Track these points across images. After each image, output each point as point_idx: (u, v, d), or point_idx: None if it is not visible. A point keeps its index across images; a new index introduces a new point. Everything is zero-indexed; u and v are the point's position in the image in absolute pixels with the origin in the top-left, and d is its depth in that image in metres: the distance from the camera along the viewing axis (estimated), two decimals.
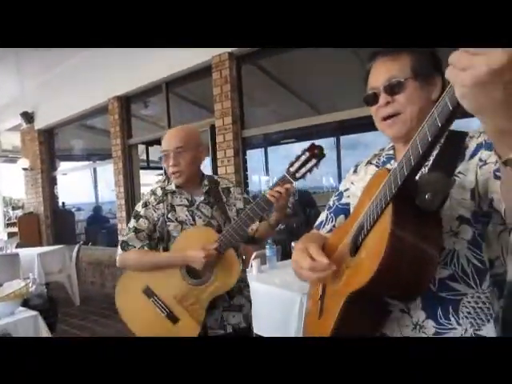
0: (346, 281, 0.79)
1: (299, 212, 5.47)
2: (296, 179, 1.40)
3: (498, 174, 0.70)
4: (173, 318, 1.51)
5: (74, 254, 4.98)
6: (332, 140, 5.97)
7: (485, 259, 0.76)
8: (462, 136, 0.82)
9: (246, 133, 4.14)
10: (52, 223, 6.98)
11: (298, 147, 6.48)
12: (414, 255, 0.65)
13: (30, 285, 2.29)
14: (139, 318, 1.56)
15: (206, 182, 1.63)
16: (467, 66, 0.41)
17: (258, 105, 4.47)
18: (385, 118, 0.86)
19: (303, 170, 1.40)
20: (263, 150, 5.91)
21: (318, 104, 4.03)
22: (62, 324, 3.92)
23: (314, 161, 1.40)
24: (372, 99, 0.88)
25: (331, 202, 1.11)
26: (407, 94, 0.83)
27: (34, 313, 2.14)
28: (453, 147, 0.81)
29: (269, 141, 5.77)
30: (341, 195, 1.08)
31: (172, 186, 1.62)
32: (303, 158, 1.40)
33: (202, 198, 1.61)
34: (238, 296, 1.59)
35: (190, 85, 4.79)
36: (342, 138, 5.92)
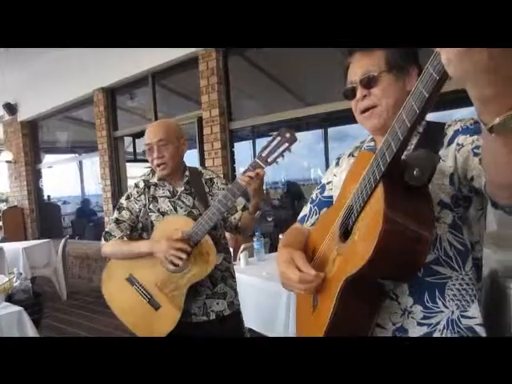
0: (339, 267, 0.79)
1: (288, 204, 5.50)
2: (268, 164, 1.42)
3: (476, 151, 0.73)
4: (155, 305, 1.56)
5: (61, 247, 4.92)
6: (320, 132, 5.99)
7: (466, 242, 0.79)
8: (440, 126, 0.86)
9: (233, 125, 4.12)
10: (37, 217, 6.89)
11: None
12: (410, 232, 0.66)
13: (15, 280, 2.26)
14: (124, 305, 1.62)
15: (187, 173, 1.65)
16: None
17: (245, 97, 4.45)
18: (363, 111, 0.90)
19: (275, 154, 1.41)
20: (251, 142, 5.89)
21: (305, 96, 4.03)
22: (48, 319, 3.89)
23: (285, 145, 1.41)
24: (351, 93, 0.91)
25: (314, 196, 1.12)
26: (382, 86, 0.86)
27: (18, 308, 2.11)
28: (433, 134, 0.85)
29: (257, 133, 5.75)
30: (323, 188, 1.10)
31: (154, 179, 1.67)
32: (274, 142, 1.41)
33: (183, 189, 1.64)
34: (221, 284, 1.63)
35: (177, 76, 4.74)
36: (330, 130, 5.94)
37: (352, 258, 0.73)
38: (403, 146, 0.65)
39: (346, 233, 0.81)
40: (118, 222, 1.64)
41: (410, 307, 0.81)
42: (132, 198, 1.67)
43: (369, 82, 0.87)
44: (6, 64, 5.58)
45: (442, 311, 0.80)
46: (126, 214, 1.65)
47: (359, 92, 0.89)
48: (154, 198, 1.65)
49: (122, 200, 1.69)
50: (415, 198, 0.68)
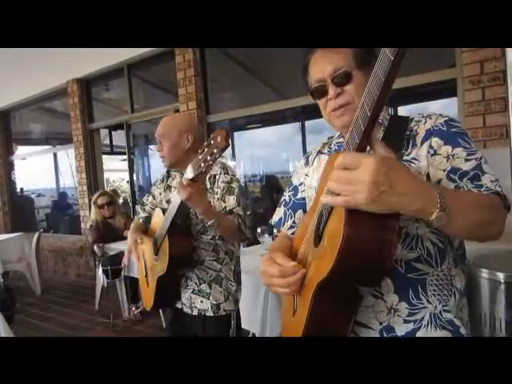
0: (312, 272, 0.77)
1: (267, 197, 5.53)
2: (197, 173, 1.32)
3: (451, 176, 0.75)
4: (147, 282, 1.76)
5: (34, 241, 4.82)
6: (297, 125, 6.04)
7: (444, 240, 0.82)
8: (405, 120, 0.86)
9: (210, 118, 4.11)
10: (10, 210, 6.71)
11: (264, 132, 6.52)
12: (373, 236, 0.64)
13: None
14: (139, 270, 1.88)
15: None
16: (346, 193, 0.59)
17: (222, 89, 4.43)
18: (334, 109, 0.86)
19: (204, 163, 1.30)
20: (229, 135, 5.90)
21: (282, 89, 4.05)
22: (21, 314, 3.83)
23: (215, 151, 1.27)
24: (321, 92, 0.87)
25: (287, 198, 1.09)
26: (355, 83, 0.83)
27: None
28: (397, 129, 0.85)
29: (234, 126, 5.75)
30: (296, 190, 1.07)
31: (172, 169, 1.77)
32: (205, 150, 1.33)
33: (173, 185, 1.69)
34: (205, 284, 1.63)
35: (154, 68, 4.68)
36: (307, 123, 5.99)
37: (322, 264, 0.72)
38: (365, 138, 0.64)
39: (319, 237, 0.79)
40: (143, 204, 1.88)
41: (396, 305, 0.81)
42: (156, 185, 1.85)
43: (341, 79, 0.83)
44: None
45: (426, 307, 0.81)
46: (149, 198, 1.86)
47: (332, 90, 0.84)
48: (168, 188, 1.77)
49: (152, 186, 1.90)
50: None
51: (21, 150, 6.89)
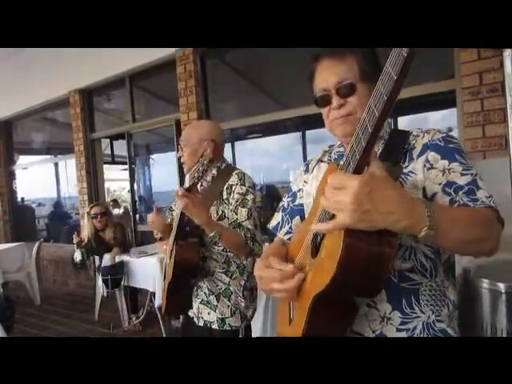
0: (309, 284, 0.77)
1: (267, 206, 5.54)
2: (191, 186, 1.44)
3: (447, 189, 0.77)
4: (163, 286, 1.74)
5: (34, 251, 4.81)
6: (298, 134, 6.08)
7: (439, 250, 0.83)
8: (405, 134, 0.87)
9: None
10: (10, 219, 6.71)
11: (264, 142, 6.54)
12: (371, 249, 0.65)
13: None
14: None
15: (213, 174, 1.67)
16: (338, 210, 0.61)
17: (223, 99, 4.46)
18: (336, 118, 0.87)
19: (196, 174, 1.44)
20: (230, 144, 5.92)
21: (283, 99, 4.08)
22: (20, 324, 3.80)
23: (204, 166, 1.44)
24: (325, 101, 0.88)
25: (285, 204, 1.10)
26: (358, 95, 0.84)
27: None
28: (396, 143, 0.86)
29: (235, 136, 5.79)
30: (294, 196, 1.08)
31: None
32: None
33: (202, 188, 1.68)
34: (213, 296, 1.60)
35: (155, 79, 4.72)
36: (308, 133, 6.02)
37: (320, 275, 0.72)
38: (366, 155, 0.63)
39: (316, 248, 0.79)
40: (170, 209, 1.86)
41: (389, 314, 0.82)
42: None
43: (345, 91, 0.84)
44: None
45: (419, 316, 0.82)
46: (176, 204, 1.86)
47: (335, 101, 0.86)
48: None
49: None
50: None
51: (22, 160, 6.92)
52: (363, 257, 0.65)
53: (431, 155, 0.81)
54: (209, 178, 1.67)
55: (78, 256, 3.74)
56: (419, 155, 0.82)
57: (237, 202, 1.56)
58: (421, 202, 0.64)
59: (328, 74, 0.87)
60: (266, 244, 3.07)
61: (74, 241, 3.88)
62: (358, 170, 0.64)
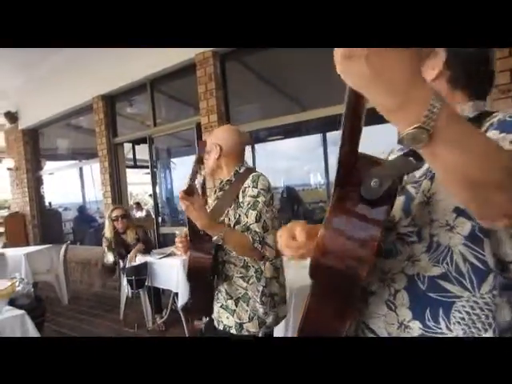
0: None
1: (287, 209, 5.53)
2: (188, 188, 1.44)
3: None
4: None
5: (62, 253, 4.96)
6: (319, 136, 6.03)
7: (487, 259, 0.65)
8: (489, 114, 0.73)
9: None
10: (39, 223, 6.94)
11: (286, 144, 6.53)
12: (347, 247, 0.59)
13: (17, 284, 2.30)
14: None
15: (230, 177, 1.67)
16: None
17: (243, 102, 4.50)
18: None
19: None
20: (250, 147, 5.94)
21: (303, 100, 4.07)
22: (50, 323, 3.92)
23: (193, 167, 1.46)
24: None
25: None
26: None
27: (20, 312, 2.16)
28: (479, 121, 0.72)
29: (256, 138, 5.81)
30: None
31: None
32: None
33: (217, 195, 1.71)
34: (232, 301, 1.60)
35: (175, 83, 4.80)
36: (329, 135, 5.97)
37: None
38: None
39: None
40: None
41: (408, 322, 0.71)
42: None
43: None
44: (7, 73, 5.66)
45: (444, 333, 0.68)
46: None
47: None
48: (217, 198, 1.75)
49: None
50: (365, 212, 0.58)
51: (48, 166, 7.15)
52: (338, 254, 0.59)
53: (493, 133, 0.65)
54: (226, 182, 1.68)
55: (109, 258, 3.75)
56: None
57: (248, 204, 1.55)
58: (437, 93, 0.43)
59: None
60: None
61: (104, 244, 3.93)
62: None
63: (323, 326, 0.71)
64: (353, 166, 0.60)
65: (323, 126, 5.58)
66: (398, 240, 0.75)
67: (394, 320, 0.74)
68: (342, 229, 0.59)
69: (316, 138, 6.16)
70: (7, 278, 2.65)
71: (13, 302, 2.32)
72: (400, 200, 0.76)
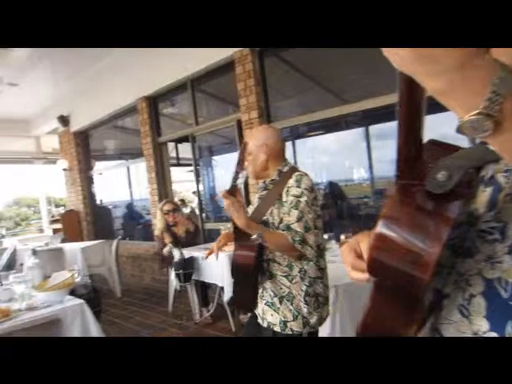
0: None
1: (331, 205, 5.45)
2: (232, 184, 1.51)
3: None
4: None
5: (114, 248, 5.24)
6: (361, 130, 5.90)
7: None
8: None
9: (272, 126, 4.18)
10: (92, 220, 7.35)
11: (326, 139, 6.45)
12: (404, 247, 0.52)
13: (76, 275, 2.47)
14: None
15: (275, 177, 1.69)
16: None
17: (283, 97, 4.49)
18: None
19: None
20: (291, 143, 5.94)
21: (344, 93, 4.00)
22: (104, 314, 4.17)
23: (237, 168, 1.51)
24: None
25: None
26: None
27: (80, 301, 2.32)
28: None
29: (296, 133, 5.79)
30: None
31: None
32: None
33: (259, 195, 1.75)
34: (276, 299, 1.61)
35: (215, 81, 4.88)
36: (371, 128, 5.82)
37: None
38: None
39: None
40: None
41: (483, 333, 0.59)
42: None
43: None
44: (59, 79, 6.02)
45: None
46: None
47: None
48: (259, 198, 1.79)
49: None
50: (430, 207, 0.51)
51: (98, 166, 7.54)
52: (394, 253, 0.53)
53: None
54: (262, 187, 1.71)
55: (176, 254, 3.77)
56: None
57: (291, 204, 1.55)
58: (496, 62, 0.35)
59: None
60: (333, 242, 3.05)
61: (167, 240, 4.01)
62: None
63: (385, 329, 0.64)
64: (417, 157, 0.53)
65: (365, 119, 5.45)
66: (477, 237, 0.64)
67: (467, 329, 0.62)
68: (402, 225, 0.52)
69: (358, 131, 6.03)
70: (66, 270, 2.85)
71: (72, 292, 2.49)
72: (487, 191, 0.65)
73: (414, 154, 0.53)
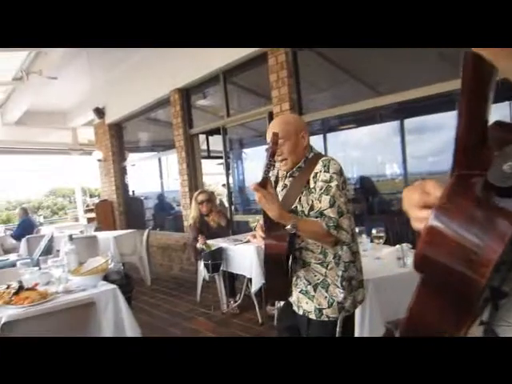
0: None
1: (362, 200, 5.34)
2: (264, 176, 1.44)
3: None
4: None
5: (145, 237, 5.36)
6: (395, 124, 5.72)
7: None
8: None
9: (304, 118, 4.13)
10: (124, 210, 7.55)
11: (359, 132, 6.30)
12: (460, 243, 0.46)
13: (109, 261, 2.53)
14: None
15: (301, 164, 1.65)
16: None
17: (315, 89, 4.42)
18: None
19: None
20: (322, 136, 5.85)
21: (378, 85, 3.89)
22: (134, 301, 4.28)
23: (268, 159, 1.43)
24: None
25: None
26: None
27: (113, 286, 2.38)
28: None
29: (327, 126, 5.69)
30: None
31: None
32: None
33: (284, 182, 1.71)
34: (310, 286, 1.61)
35: (247, 73, 4.86)
36: (406, 122, 5.63)
37: None
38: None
39: None
40: None
41: None
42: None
43: None
44: (95, 73, 6.18)
45: None
46: None
47: None
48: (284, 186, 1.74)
49: None
50: (492, 202, 0.46)
51: (131, 157, 7.72)
52: (448, 249, 0.47)
53: None
54: (289, 173, 1.67)
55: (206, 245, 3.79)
56: None
57: (321, 189, 1.52)
58: None
59: None
60: (364, 236, 2.98)
61: (200, 242, 3.92)
62: None
63: (431, 329, 0.57)
64: (480, 145, 0.48)
65: (400, 112, 5.27)
66: None
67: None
68: (458, 220, 0.46)
69: (392, 125, 5.84)
70: (100, 256, 2.93)
71: (106, 278, 2.56)
72: None
73: (477, 142, 0.48)
